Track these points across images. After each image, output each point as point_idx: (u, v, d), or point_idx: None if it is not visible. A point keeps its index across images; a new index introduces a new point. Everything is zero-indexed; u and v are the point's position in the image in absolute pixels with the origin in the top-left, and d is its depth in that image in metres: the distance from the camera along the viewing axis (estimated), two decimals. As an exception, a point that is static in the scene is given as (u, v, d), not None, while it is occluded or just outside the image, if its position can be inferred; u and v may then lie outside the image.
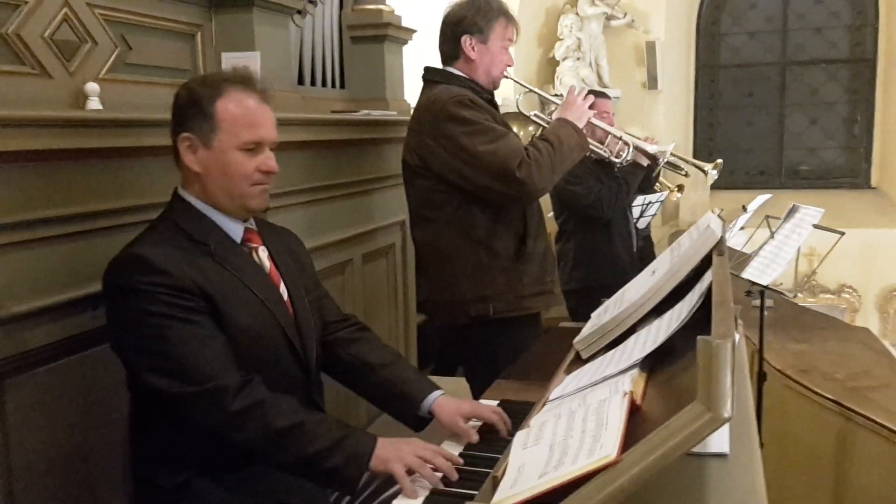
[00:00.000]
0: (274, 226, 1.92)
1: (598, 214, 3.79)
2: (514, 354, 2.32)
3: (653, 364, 1.39)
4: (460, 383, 2.77)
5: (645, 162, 3.73)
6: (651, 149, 3.00)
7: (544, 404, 1.45)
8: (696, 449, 1.29)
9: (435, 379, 1.92)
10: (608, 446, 1.03)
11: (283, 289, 1.78)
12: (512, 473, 1.12)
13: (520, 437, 1.26)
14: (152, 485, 1.66)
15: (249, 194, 1.69)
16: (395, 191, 3.31)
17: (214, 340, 1.56)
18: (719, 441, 1.32)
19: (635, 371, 1.33)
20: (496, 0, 2.59)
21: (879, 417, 2.74)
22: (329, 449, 1.51)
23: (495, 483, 1.15)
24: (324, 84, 3.15)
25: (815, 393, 3.05)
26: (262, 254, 1.78)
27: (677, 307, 1.46)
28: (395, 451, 1.50)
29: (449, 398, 1.79)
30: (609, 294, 2.22)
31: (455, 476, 1.47)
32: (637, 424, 1.14)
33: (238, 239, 1.73)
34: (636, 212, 4.63)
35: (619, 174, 3.80)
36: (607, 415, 1.14)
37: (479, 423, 1.72)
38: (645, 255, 4.86)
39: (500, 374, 2.12)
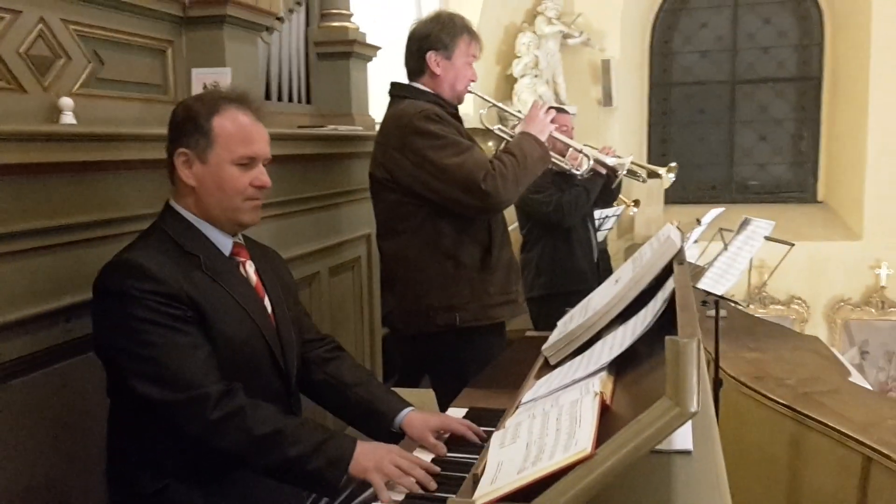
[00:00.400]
0: (258, 243, 1.96)
1: (560, 221, 3.87)
2: (480, 363, 2.37)
3: (619, 368, 1.45)
4: (427, 394, 2.81)
5: (604, 170, 3.85)
6: (610, 161, 3.08)
7: (517, 407, 1.51)
8: (662, 446, 1.36)
9: (401, 391, 1.97)
10: (583, 441, 1.09)
11: (266, 302, 1.82)
12: (491, 471, 1.18)
13: (497, 437, 1.32)
14: (131, 490, 1.69)
15: (242, 209, 1.74)
16: (361, 204, 3.35)
17: (200, 350, 1.60)
18: (683, 438, 1.39)
19: (603, 374, 1.40)
20: (459, 17, 2.65)
21: (830, 420, 2.83)
22: (310, 453, 1.55)
23: (475, 480, 1.21)
24: (290, 99, 3.18)
25: (769, 398, 3.14)
26: (249, 268, 1.83)
27: (641, 313, 1.53)
28: (374, 459, 1.54)
29: (418, 413, 1.85)
30: (572, 301, 2.29)
31: (433, 486, 1.52)
32: (607, 423, 1.21)
33: (227, 252, 1.78)
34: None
35: (579, 182, 3.90)
36: (580, 413, 1.20)
37: (448, 435, 1.78)
38: (602, 267, 4.97)
39: (466, 382, 2.16)
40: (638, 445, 1.03)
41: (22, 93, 1.85)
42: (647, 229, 7.40)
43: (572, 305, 2.21)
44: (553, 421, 1.23)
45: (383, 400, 1.88)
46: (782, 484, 3.08)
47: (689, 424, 1.44)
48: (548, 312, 2.77)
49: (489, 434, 1.67)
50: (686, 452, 1.37)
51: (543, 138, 2.60)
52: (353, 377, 1.95)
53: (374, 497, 1.52)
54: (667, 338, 1.03)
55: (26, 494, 1.77)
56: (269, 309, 1.82)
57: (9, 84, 1.82)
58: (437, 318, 2.50)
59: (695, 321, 1.16)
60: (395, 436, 1.83)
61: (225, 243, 1.78)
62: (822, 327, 7.51)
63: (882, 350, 7.57)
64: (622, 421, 1.15)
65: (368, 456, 1.55)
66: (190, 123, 1.70)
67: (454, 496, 1.31)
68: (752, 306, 7.10)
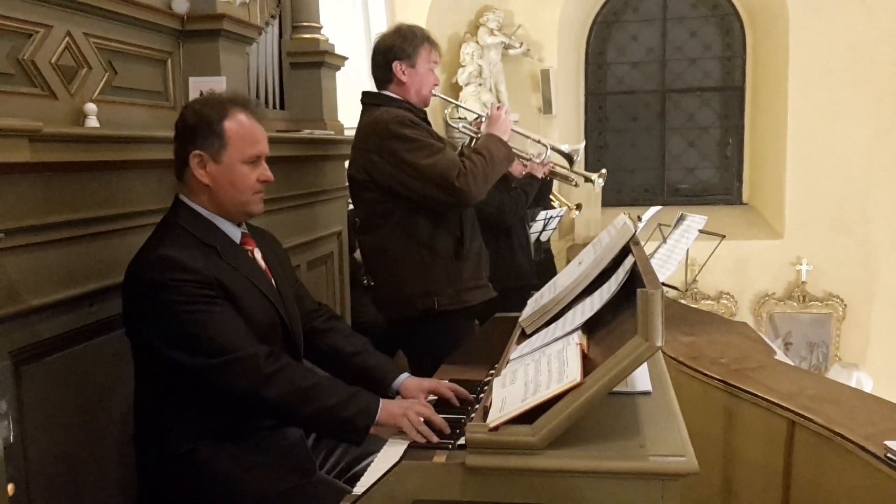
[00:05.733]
0: (255, 227, 2.17)
1: (501, 221, 4.14)
2: (453, 344, 2.61)
3: (589, 331, 1.75)
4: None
5: (540, 174, 4.19)
6: (565, 148, 3.37)
7: (507, 363, 1.79)
8: (626, 389, 1.68)
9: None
10: (573, 374, 1.38)
11: (273, 283, 2.05)
12: (497, 403, 1.45)
13: (497, 381, 1.60)
14: (160, 453, 1.88)
15: (252, 201, 1.97)
16: (333, 203, 3.60)
17: (238, 320, 1.83)
18: (643, 382, 1.69)
19: (579, 332, 1.69)
20: (418, 27, 2.90)
21: (758, 391, 3.12)
22: (344, 401, 1.79)
23: (485, 411, 1.48)
24: (266, 105, 3.40)
25: (705, 375, 3.43)
26: (257, 254, 2.05)
27: (606, 284, 1.83)
28: (400, 407, 1.78)
29: (413, 378, 2.10)
30: (512, 297, 2.56)
31: (448, 431, 1.72)
32: (586, 367, 1.50)
33: (237, 241, 2.00)
34: (539, 225, 5.07)
35: (517, 185, 4.21)
36: (566, 357, 1.49)
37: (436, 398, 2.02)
38: (547, 266, 5.30)
39: (441, 362, 2.37)
40: (617, 373, 1.33)
41: (54, 99, 2.05)
42: (587, 230, 7.76)
43: (513, 301, 2.50)
44: (545, 364, 1.51)
45: (380, 367, 2.13)
46: (717, 455, 3.37)
47: (647, 371, 1.76)
48: (491, 308, 3.03)
49: (474, 396, 1.95)
50: (646, 393, 1.68)
51: (506, 138, 2.88)
52: (351, 347, 2.19)
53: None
54: (638, 290, 1.33)
55: (61, 460, 1.98)
56: (277, 289, 2.05)
57: (43, 91, 2.02)
58: (417, 303, 2.75)
59: (657, 279, 1.46)
60: (391, 398, 2.08)
61: (234, 233, 1.99)
62: (749, 320, 7.92)
63: (804, 341, 8.04)
64: (598, 364, 1.43)
65: (395, 405, 1.80)
66: (203, 127, 1.89)
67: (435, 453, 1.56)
68: (684, 302, 7.50)
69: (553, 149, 3.29)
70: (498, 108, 2.96)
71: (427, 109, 2.96)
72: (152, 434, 1.92)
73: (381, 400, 1.83)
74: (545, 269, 4.99)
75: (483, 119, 3.03)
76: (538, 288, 2.28)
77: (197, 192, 1.93)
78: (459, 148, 3.09)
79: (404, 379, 2.09)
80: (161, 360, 1.81)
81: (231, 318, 1.82)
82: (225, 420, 1.89)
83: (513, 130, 2.98)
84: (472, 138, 3.03)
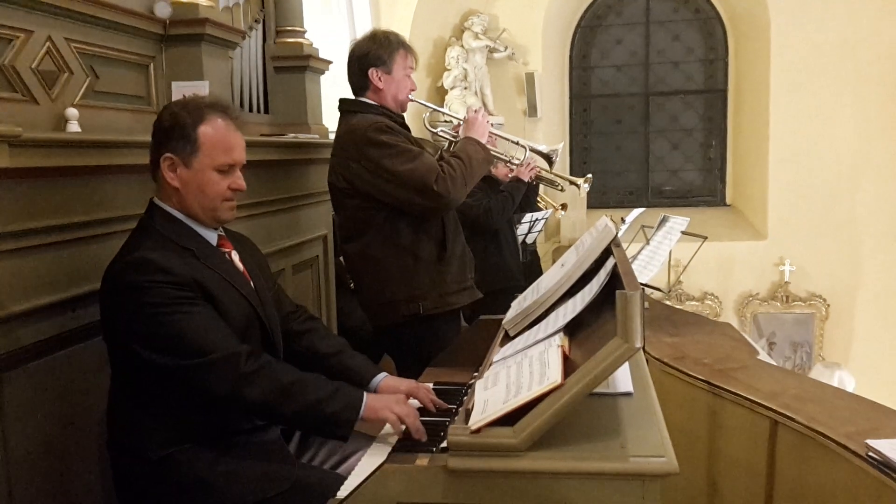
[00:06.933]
0: (231, 231, 2.16)
1: (488, 223, 4.18)
2: (440, 347, 2.60)
3: (571, 332, 1.76)
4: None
5: (527, 178, 4.23)
6: (543, 148, 3.39)
7: (490, 365, 1.80)
8: (608, 390, 1.69)
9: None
10: (553, 375, 1.39)
11: (252, 285, 2.04)
12: (479, 405, 1.46)
13: (479, 383, 1.60)
14: (136, 458, 1.85)
15: (220, 208, 1.94)
16: (318, 207, 3.59)
17: (217, 320, 1.82)
18: (625, 382, 1.71)
19: (561, 334, 1.70)
20: (393, 34, 2.89)
21: (741, 391, 3.14)
22: (328, 397, 1.78)
23: (467, 414, 1.49)
24: (251, 110, 3.40)
25: (689, 375, 3.44)
26: (235, 256, 2.04)
27: (588, 287, 1.84)
28: (384, 402, 1.79)
29: (391, 378, 2.10)
30: (500, 299, 2.57)
31: (425, 438, 1.73)
32: (567, 369, 1.51)
33: (214, 243, 1.99)
34: (525, 227, 5.10)
35: (504, 188, 4.23)
36: (548, 359, 1.50)
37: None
38: (533, 267, 5.33)
39: (427, 366, 2.37)
40: (597, 375, 1.34)
41: (35, 104, 2.04)
42: (573, 232, 7.80)
43: (501, 303, 2.52)
44: (526, 367, 1.52)
45: (358, 368, 2.12)
46: (701, 455, 3.39)
47: (629, 372, 1.77)
48: (479, 311, 3.03)
49: (448, 406, 1.95)
50: (628, 394, 1.69)
51: (484, 140, 2.88)
52: (328, 347, 2.18)
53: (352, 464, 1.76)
54: (617, 291, 1.34)
55: (43, 465, 1.97)
56: (255, 291, 2.04)
57: (24, 96, 2.01)
58: (402, 308, 2.74)
59: (636, 281, 1.48)
60: None
61: (211, 236, 1.98)
62: (733, 321, 8.00)
63: (787, 341, 8.12)
64: (579, 366, 1.45)
65: (379, 400, 1.81)
66: (177, 130, 1.87)
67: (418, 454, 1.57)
68: (668, 303, 7.54)
69: (532, 149, 3.31)
70: (475, 111, 2.98)
71: (406, 114, 2.96)
72: (127, 438, 1.89)
73: (366, 394, 1.82)
74: (532, 271, 5.02)
75: (461, 123, 3.04)
76: (525, 290, 2.29)
77: (169, 194, 1.92)
78: (439, 153, 3.10)
79: (382, 378, 2.09)
80: (139, 364, 1.79)
81: (211, 318, 1.81)
82: (203, 423, 1.86)
83: (491, 133, 2.98)
84: (450, 142, 3.04)
